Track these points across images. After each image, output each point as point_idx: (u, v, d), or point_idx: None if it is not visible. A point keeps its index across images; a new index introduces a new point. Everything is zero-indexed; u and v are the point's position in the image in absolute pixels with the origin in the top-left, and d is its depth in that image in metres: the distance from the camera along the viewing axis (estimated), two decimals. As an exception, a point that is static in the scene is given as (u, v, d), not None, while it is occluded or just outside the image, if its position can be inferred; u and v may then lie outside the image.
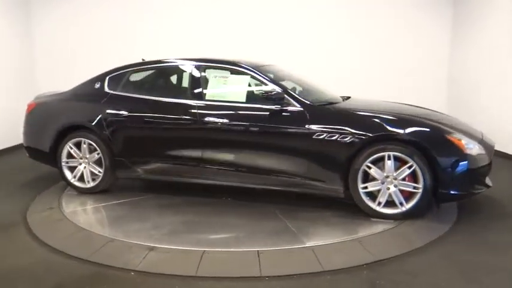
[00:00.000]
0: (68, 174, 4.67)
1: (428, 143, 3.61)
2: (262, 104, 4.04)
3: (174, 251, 3.27)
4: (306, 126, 3.85)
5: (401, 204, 3.69)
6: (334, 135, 3.76)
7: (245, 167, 4.08)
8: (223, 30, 7.45)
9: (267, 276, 2.90)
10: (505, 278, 2.87)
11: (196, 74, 4.38)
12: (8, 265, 3.17)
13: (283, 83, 4.23)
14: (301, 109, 3.92)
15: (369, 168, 3.70)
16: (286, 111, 3.95)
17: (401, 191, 3.69)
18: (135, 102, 4.47)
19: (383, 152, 3.66)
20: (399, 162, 3.66)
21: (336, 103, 4.22)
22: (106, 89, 4.63)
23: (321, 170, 3.85)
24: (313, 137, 3.80)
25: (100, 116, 4.47)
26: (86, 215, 4.18)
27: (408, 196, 3.70)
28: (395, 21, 7.35)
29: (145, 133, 4.43)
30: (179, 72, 4.74)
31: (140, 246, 3.35)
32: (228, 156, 4.16)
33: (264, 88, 4.09)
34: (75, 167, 4.64)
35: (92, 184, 4.60)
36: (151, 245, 3.35)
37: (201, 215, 4.00)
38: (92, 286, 2.84)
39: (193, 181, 4.32)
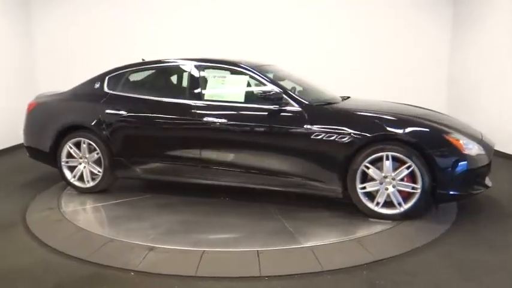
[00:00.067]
0: (67, 173, 4.68)
1: (426, 143, 3.60)
2: (261, 104, 4.03)
3: (174, 251, 3.28)
4: (305, 126, 3.84)
5: (399, 204, 3.68)
6: (333, 136, 3.76)
7: (244, 167, 4.08)
8: (223, 30, 7.46)
9: (267, 276, 2.90)
10: (504, 277, 2.88)
11: (196, 74, 4.38)
12: (7, 265, 3.17)
13: (283, 83, 4.23)
14: (300, 109, 3.92)
15: (368, 168, 3.70)
16: (284, 111, 3.95)
17: (400, 192, 3.68)
18: (134, 102, 4.48)
19: (381, 152, 3.65)
20: (398, 163, 3.66)
21: (334, 103, 4.22)
22: (105, 89, 4.63)
23: (320, 170, 3.85)
24: (312, 137, 3.80)
25: (99, 116, 4.48)
26: (85, 214, 4.18)
27: (407, 196, 3.69)
28: (395, 21, 7.36)
29: (145, 133, 4.43)
30: (178, 72, 4.74)
31: (140, 246, 3.35)
32: (226, 156, 4.16)
33: (262, 88, 4.09)
34: (74, 167, 4.65)
35: (91, 184, 4.61)
36: (151, 245, 3.35)
37: (200, 215, 4.00)
38: (91, 286, 2.84)
39: (192, 181, 4.33)
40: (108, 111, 4.48)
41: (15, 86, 7.24)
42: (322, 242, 3.36)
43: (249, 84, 4.24)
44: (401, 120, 3.80)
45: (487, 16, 6.39)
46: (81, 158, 4.60)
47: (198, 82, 4.35)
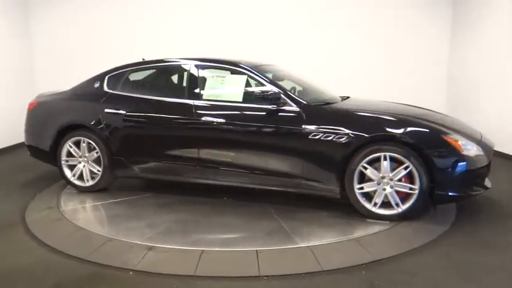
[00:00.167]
0: (67, 172, 4.70)
1: (425, 144, 3.59)
2: (259, 104, 4.03)
3: (173, 251, 3.28)
4: (303, 126, 3.84)
5: (397, 205, 3.68)
6: (330, 136, 3.75)
7: (242, 166, 4.09)
8: (223, 30, 7.46)
9: (266, 276, 2.91)
10: (504, 277, 2.87)
11: (195, 73, 4.39)
12: (7, 265, 3.17)
13: (282, 83, 4.23)
14: (298, 109, 3.92)
15: (365, 168, 3.70)
16: (282, 111, 3.95)
17: (398, 192, 3.68)
18: (133, 102, 4.48)
19: (379, 152, 3.65)
20: (396, 163, 3.65)
21: (333, 103, 4.22)
22: (105, 88, 4.64)
23: (317, 170, 3.85)
24: (309, 137, 3.80)
25: (99, 115, 4.49)
26: (84, 213, 4.19)
27: (404, 197, 3.69)
28: (395, 21, 7.36)
29: (144, 132, 4.44)
30: (178, 71, 4.74)
31: (139, 245, 3.36)
32: (225, 156, 4.16)
33: (261, 88, 4.09)
34: (74, 166, 4.67)
35: (91, 183, 4.62)
36: (150, 244, 3.36)
37: (199, 215, 4.01)
38: (90, 286, 2.85)
39: (191, 180, 4.33)
40: (107, 110, 4.48)
41: (15, 86, 7.25)
42: (321, 242, 3.37)
43: (248, 84, 4.24)
44: (400, 121, 3.79)
45: (487, 16, 6.39)
46: (80, 157, 4.61)
47: (197, 82, 4.35)
